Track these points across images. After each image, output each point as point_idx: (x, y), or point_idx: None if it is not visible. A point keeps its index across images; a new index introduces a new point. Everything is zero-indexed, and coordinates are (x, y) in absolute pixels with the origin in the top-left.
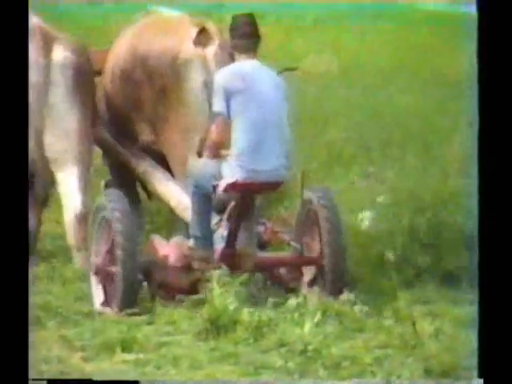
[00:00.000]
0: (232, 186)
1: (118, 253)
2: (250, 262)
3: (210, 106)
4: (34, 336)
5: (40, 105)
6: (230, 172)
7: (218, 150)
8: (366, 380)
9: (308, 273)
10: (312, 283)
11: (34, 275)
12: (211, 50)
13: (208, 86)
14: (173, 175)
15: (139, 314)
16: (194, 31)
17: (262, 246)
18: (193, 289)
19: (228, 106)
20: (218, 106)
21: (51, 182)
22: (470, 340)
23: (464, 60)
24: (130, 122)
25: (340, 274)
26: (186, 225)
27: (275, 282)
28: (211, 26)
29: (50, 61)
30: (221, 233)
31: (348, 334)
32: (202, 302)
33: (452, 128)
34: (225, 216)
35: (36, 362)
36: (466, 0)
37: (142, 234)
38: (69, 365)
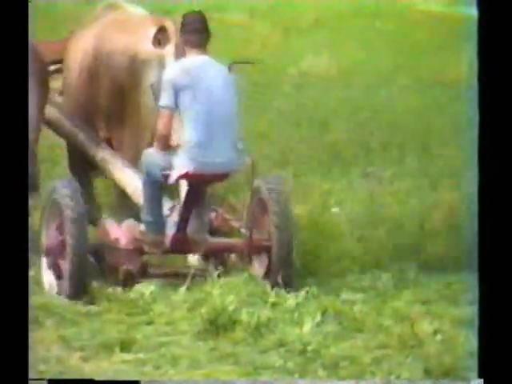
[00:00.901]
0: (183, 177)
1: (67, 237)
2: (200, 248)
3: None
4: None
5: None
6: (181, 164)
7: (166, 142)
8: (366, 380)
9: (260, 262)
10: (267, 273)
11: None
12: (169, 49)
13: (158, 85)
14: None
15: (91, 303)
16: (152, 31)
17: (213, 232)
18: (143, 272)
19: (177, 101)
20: (164, 99)
21: None
22: (468, 339)
23: (463, 60)
24: (90, 117)
25: (288, 260)
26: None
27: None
28: (170, 25)
29: None
30: (173, 219)
31: (347, 334)
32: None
33: (451, 128)
34: (177, 203)
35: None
36: (466, 0)
37: (94, 218)
38: (67, 365)
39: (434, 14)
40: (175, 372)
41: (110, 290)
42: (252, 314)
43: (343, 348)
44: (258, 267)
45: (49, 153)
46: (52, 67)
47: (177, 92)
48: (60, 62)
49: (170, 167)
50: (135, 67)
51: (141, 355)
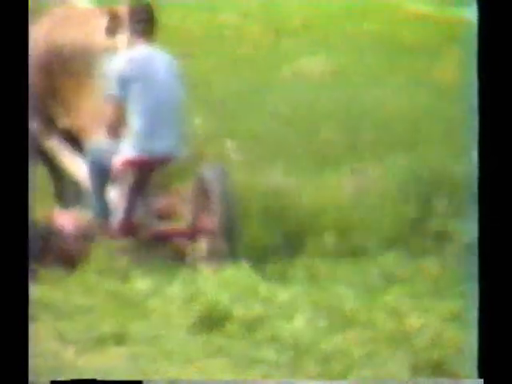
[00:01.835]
0: (127, 163)
1: None
2: (146, 233)
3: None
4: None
5: None
6: (126, 150)
7: (113, 130)
8: (358, 376)
9: (204, 246)
10: (209, 257)
11: None
12: (123, 38)
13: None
14: None
15: None
16: (105, 20)
17: (160, 218)
18: (88, 257)
19: (124, 91)
20: (110, 88)
21: None
22: (457, 334)
23: (453, 61)
24: (46, 108)
25: (231, 245)
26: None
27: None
28: (123, 13)
29: None
30: (120, 205)
31: (339, 328)
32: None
33: (441, 130)
34: (123, 189)
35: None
36: (456, 2)
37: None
38: (61, 359)
39: (424, 15)
40: (168, 366)
41: (105, 284)
42: (245, 308)
43: (335, 343)
44: (202, 251)
45: None
46: None
47: (123, 82)
48: None
49: (117, 154)
50: (89, 58)
51: (135, 349)
